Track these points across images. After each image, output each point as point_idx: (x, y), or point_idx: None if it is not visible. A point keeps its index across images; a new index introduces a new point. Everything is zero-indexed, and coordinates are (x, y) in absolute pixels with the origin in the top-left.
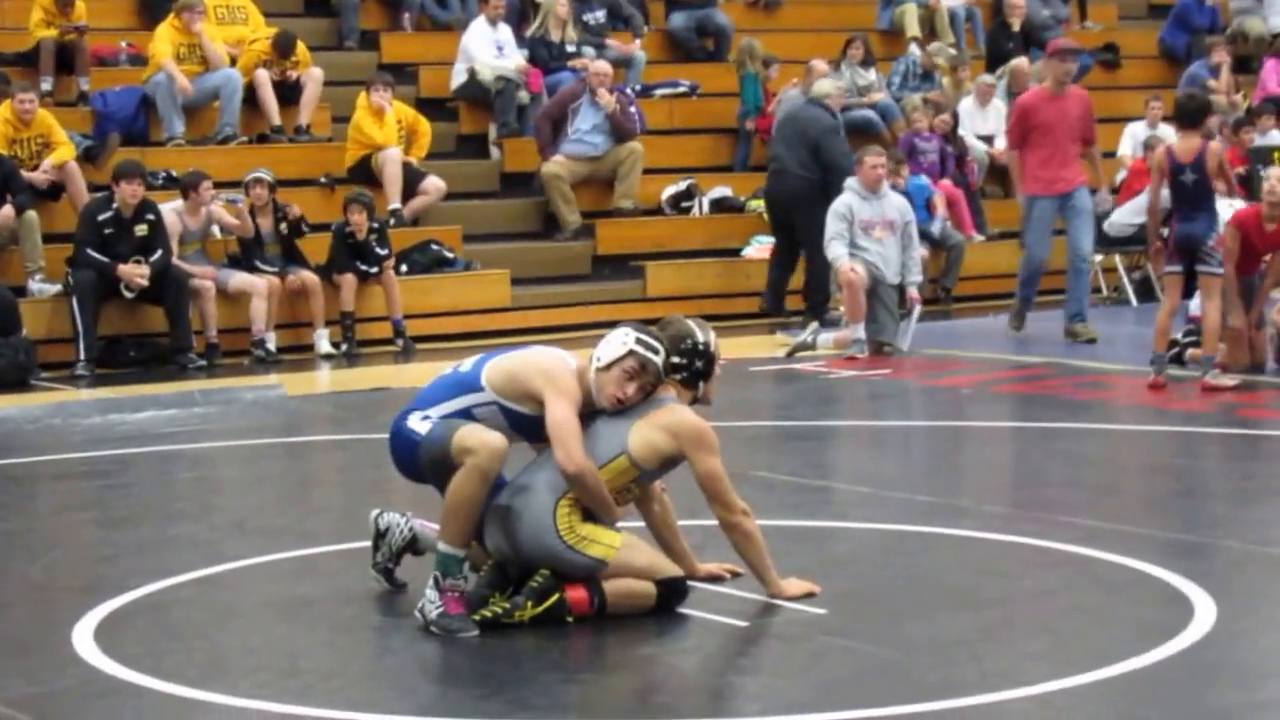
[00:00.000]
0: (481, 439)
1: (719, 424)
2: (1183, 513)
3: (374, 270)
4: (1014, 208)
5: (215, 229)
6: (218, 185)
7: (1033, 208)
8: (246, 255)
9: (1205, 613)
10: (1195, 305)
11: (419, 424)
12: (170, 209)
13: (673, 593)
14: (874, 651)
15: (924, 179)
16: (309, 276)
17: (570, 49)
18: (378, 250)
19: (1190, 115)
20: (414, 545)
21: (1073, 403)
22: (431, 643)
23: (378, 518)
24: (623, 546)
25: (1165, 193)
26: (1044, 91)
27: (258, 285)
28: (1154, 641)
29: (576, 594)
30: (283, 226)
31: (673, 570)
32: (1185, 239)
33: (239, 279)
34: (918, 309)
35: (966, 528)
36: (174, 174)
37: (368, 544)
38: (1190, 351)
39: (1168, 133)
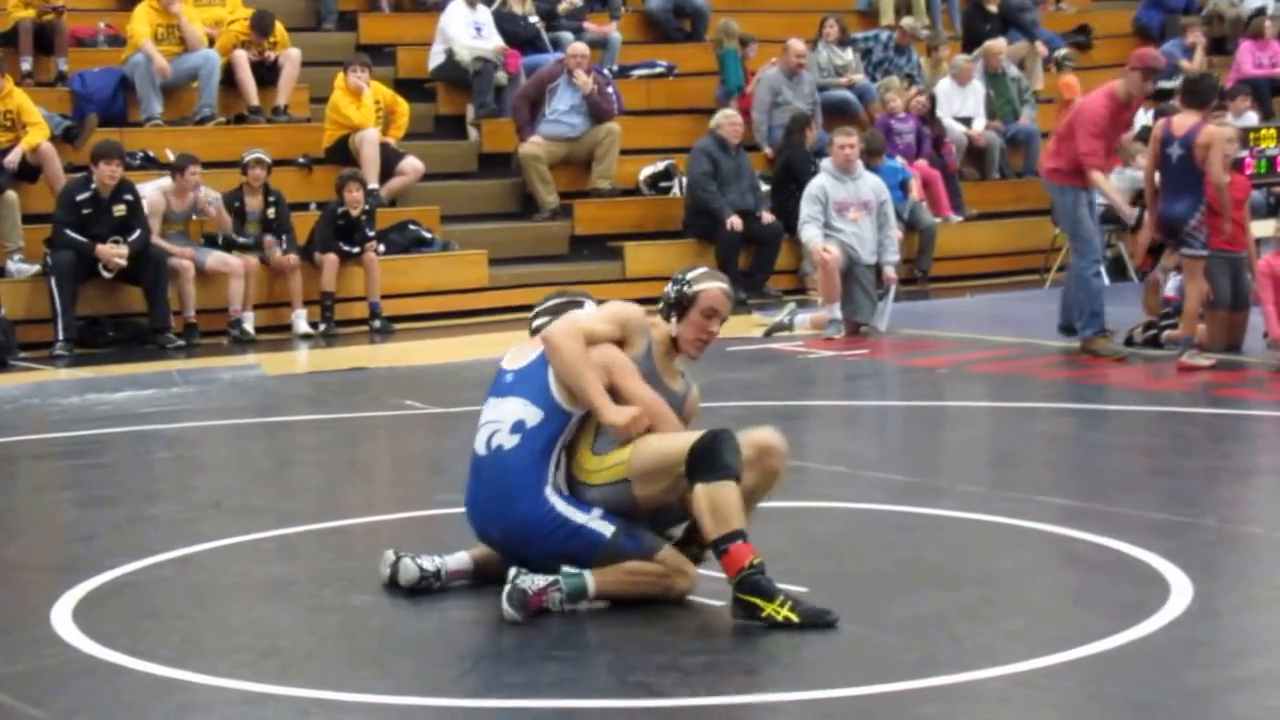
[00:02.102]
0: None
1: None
2: (1160, 492)
3: (357, 250)
4: (993, 189)
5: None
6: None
7: (1076, 204)
8: (226, 235)
9: (1182, 592)
10: (1172, 286)
11: (593, 521)
12: (156, 187)
13: (715, 442)
14: (852, 630)
15: (899, 161)
16: (291, 257)
17: (533, 20)
18: (367, 230)
19: (1199, 95)
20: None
21: (1049, 382)
22: (408, 622)
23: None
24: (631, 449)
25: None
26: (1113, 100)
27: (233, 265)
28: (1131, 620)
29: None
30: (270, 211)
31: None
32: (1167, 219)
33: (215, 258)
34: (894, 289)
35: (944, 507)
36: (152, 154)
37: (345, 523)
38: (1168, 333)
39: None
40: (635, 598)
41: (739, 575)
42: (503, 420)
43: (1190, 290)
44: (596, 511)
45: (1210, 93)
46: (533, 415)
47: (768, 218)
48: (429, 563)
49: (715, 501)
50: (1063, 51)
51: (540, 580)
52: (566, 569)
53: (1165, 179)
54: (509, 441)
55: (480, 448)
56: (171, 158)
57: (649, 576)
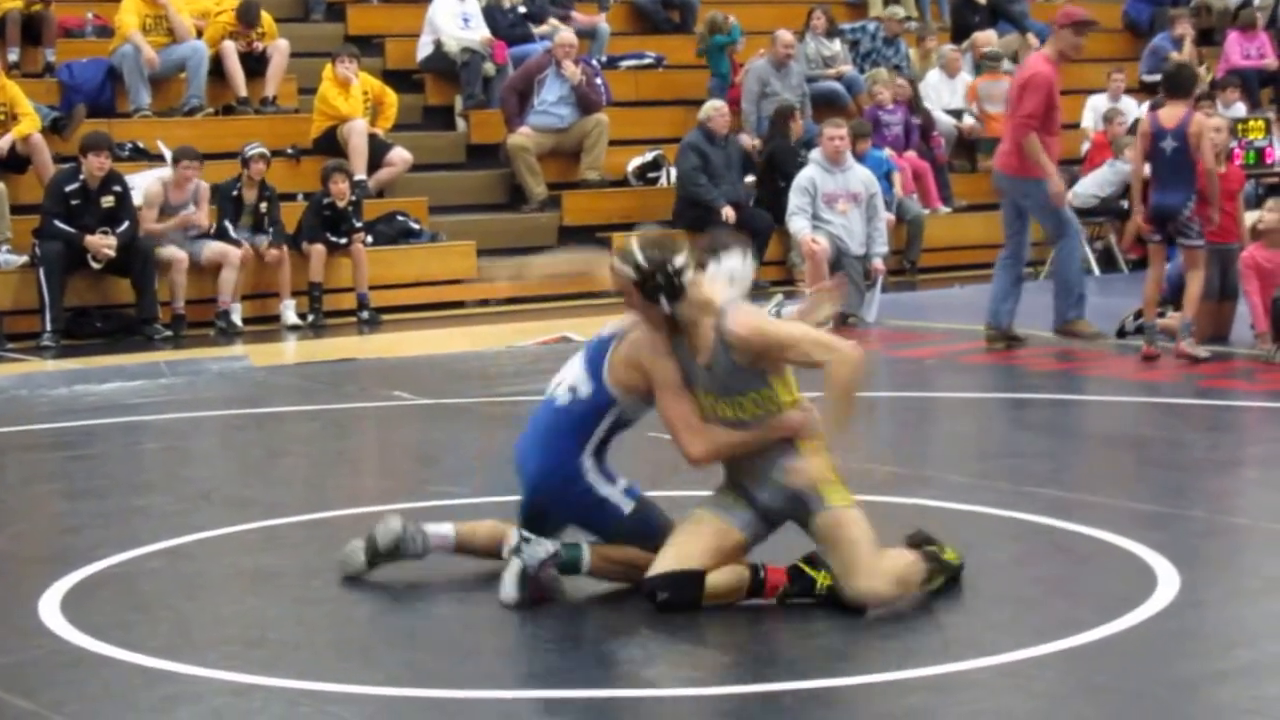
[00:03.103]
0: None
1: None
2: (1147, 483)
3: (344, 241)
4: (983, 180)
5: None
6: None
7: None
8: (221, 225)
9: (1169, 583)
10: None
11: (616, 495)
12: (156, 177)
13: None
14: (839, 621)
15: (885, 152)
16: (277, 250)
17: (520, 9)
18: (354, 221)
19: (1179, 85)
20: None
21: (1037, 373)
22: (397, 614)
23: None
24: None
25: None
26: (1051, 64)
27: (230, 255)
28: (1118, 611)
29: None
30: (263, 205)
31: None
32: (1160, 210)
33: (212, 249)
34: (880, 280)
35: (931, 498)
36: (141, 145)
37: (333, 514)
38: (1161, 321)
39: (1129, 105)
40: (623, 582)
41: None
42: (565, 379)
43: (1191, 279)
44: (622, 483)
45: (1191, 81)
46: (585, 386)
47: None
48: (411, 525)
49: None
50: None
51: (540, 551)
52: (566, 542)
53: (1158, 172)
54: (563, 399)
55: (547, 393)
56: (162, 148)
57: (642, 571)
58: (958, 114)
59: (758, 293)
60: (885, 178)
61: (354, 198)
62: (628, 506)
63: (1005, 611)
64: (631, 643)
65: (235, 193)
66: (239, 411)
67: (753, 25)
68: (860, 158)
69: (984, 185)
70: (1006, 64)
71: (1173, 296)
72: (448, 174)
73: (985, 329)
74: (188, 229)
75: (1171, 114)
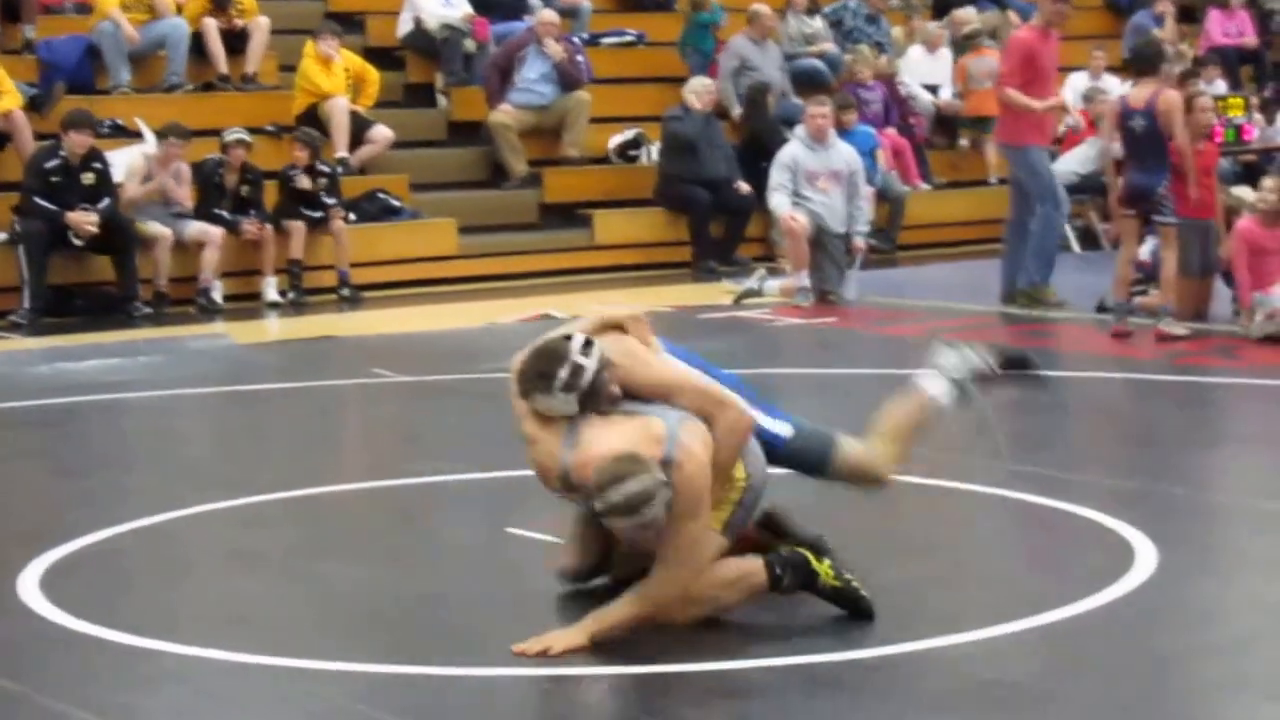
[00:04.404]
0: None
1: None
2: (1126, 460)
3: (318, 216)
4: (963, 158)
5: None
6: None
7: (1037, 160)
8: (203, 206)
9: (1148, 558)
10: (1146, 251)
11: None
12: (140, 151)
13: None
14: (819, 599)
15: (870, 129)
16: (255, 227)
17: None
18: (325, 199)
19: (1145, 62)
20: None
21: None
22: (380, 591)
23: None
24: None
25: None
26: (1037, 32)
27: (213, 235)
28: (1097, 587)
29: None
30: (244, 189)
31: None
32: (1136, 188)
33: (195, 228)
34: (860, 258)
35: (912, 475)
36: (121, 123)
37: (315, 491)
38: (1142, 300)
39: (1111, 83)
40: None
41: None
42: None
43: (1167, 258)
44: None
45: (1158, 58)
46: None
47: (744, 188)
48: None
49: None
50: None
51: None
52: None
53: (1131, 151)
54: None
55: None
56: (141, 126)
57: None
58: (935, 89)
59: (738, 269)
60: (870, 154)
61: (328, 170)
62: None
63: (986, 587)
64: None
65: (217, 179)
66: (220, 389)
67: (734, 3)
68: (848, 132)
69: (962, 163)
70: (988, 40)
71: (1155, 274)
72: (429, 151)
73: (1019, 297)
74: (169, 204)
75: (1140, 93)
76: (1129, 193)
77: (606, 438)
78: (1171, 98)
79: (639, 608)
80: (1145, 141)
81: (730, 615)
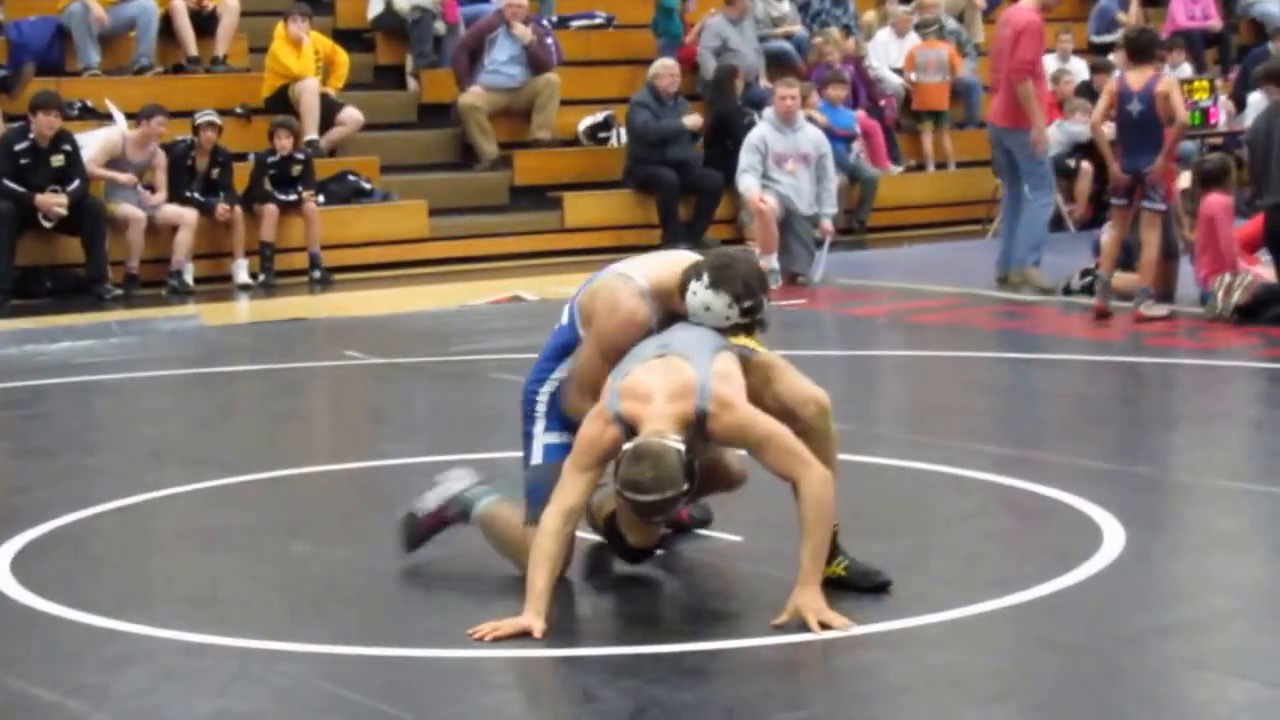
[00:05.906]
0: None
1: None
2: (1093, 440)
3: (292, 198)
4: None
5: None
6: (130, 116)
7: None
8: (174, 188)
9: (1114, 538)
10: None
11: (536, 441)
12: (117, 131)
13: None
14: (788, 578)
15: (856, 113)
16: (226, 208)
17: None
18: (302, 179)
19: (1140, 49)
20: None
21: (985, 332)
22: (349, 572)
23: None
24: None
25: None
26: (1038, 13)
27: (186, 217)
28: (1064, 567)
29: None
30: (215, 171)
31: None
32: (1129, 173)
33: (168, 210)
34: (828, 241)
35: (880, 455)
36: (90, 104)
37: (285, 473)
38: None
39: (1078, 65)
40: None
41: None
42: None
43: (1148, 242)
44: (556, 438)
45: (1154, 45)
46: (565, 317)
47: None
48: None
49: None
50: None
51: (433, 501)
52: (473, 490)
53: (1125, 135)
54: (560, 323)
55: None
56: (110, 108)
57: (512, 545)
58: (902, 72)
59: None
60: (848, 138)
61: (303, 155)
62: (533, 460)
63: (954, 567)
64: (581, 604)
65: (189, 162)
66: (190, 371)
67: None
68: (834, 107)
69: (934, 145)
70: (951, 23)
71: (1124, 259)
72: (399, 133)
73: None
74: (141, 200)
75: (1138, 78)
76: (1119, 178)
77: (647, 380)
78: (1171, 81)
79: (825, 524)
80: (1139, 125)
81: (695, 596)
